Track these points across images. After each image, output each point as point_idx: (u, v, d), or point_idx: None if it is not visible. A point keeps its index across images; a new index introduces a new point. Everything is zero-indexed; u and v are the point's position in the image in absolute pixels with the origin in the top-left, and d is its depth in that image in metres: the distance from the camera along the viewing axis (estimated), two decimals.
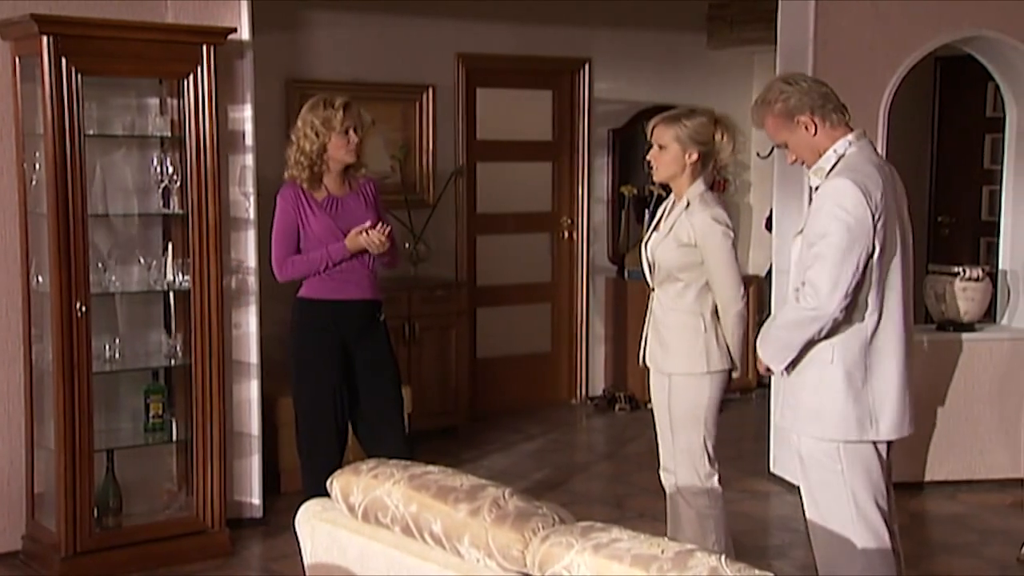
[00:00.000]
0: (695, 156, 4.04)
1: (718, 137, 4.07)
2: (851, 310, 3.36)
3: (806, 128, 3.44)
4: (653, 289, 4.19)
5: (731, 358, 4.10)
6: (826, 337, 3.40)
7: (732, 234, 4.05)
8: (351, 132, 4.57)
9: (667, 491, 4.22)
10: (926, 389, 5.89)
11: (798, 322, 3.42)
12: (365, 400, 4.69)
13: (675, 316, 4.08)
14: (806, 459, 3.49)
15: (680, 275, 4.06)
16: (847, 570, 3.46)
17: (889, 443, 3.51)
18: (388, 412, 4.72)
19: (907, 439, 6.05)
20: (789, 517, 5.45)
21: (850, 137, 3.44)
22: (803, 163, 3.55)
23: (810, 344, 3.43)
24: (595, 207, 8.01)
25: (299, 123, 4.60)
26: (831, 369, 3.40)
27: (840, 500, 3.42)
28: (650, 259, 4.16)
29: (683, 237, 4.02)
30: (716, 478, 4.11)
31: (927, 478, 5.97)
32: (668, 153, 4.06)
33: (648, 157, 4.14)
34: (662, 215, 4.22)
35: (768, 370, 3.61)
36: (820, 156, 3.47)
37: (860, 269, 3.31)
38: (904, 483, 5.84)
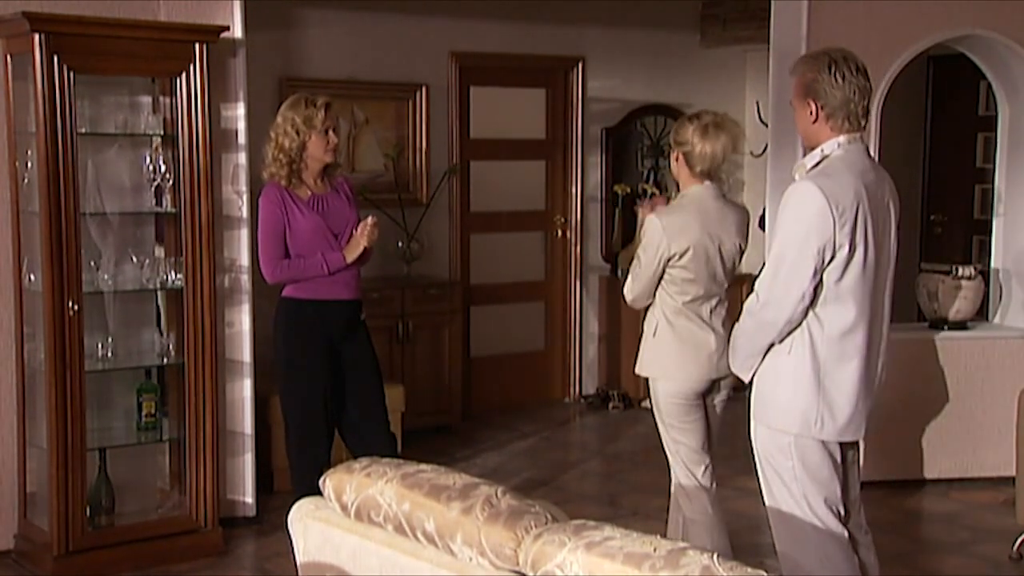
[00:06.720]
0: (678, 156, 4.13)
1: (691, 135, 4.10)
2: (812, 310, 3.34)
3: (810, 112, 3.40)
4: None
5: None
6: (788, 333, 3.39)
7: None
8: (331, 132, 4.55)
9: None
10: (918, 387, 5.90)
11: (756, 328, 3.42)
12: (351, 400, 4.68)
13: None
14: (760, 452, 3.50)
15: None
16: (804, 563, 3.46)
17: (844, 444, 3.50)
18: (374, 411, 4.72)
19: (902, 437, 6.03)
20: None
21: (841, 139, 3.37)
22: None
23: (772, 344, 3.43)
24: (588, 205, 8.01)
25: (279, 120, 4.55)
26: (787, 360, 3.39)
27: (794, 495, 3.43)
28: None
29: None
30: None
31: (920, 476, 5.97)
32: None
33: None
34: None
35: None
36: (810, 146, 3.46)
37: (816, 274, 3.28)
38: (898, 481, 5.86)
